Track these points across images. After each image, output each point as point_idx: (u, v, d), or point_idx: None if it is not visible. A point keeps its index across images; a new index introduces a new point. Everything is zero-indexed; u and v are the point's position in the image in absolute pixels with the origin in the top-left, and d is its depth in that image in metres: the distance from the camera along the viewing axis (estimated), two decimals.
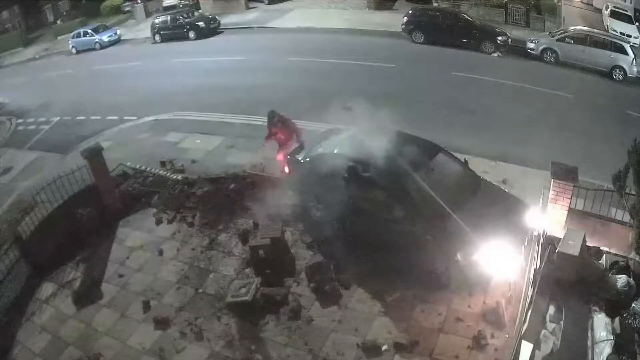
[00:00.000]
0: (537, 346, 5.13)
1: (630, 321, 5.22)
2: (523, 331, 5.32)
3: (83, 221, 9.57)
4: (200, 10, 29.01)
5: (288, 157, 9.27)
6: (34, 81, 23.10)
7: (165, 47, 25.10)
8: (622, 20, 21.14)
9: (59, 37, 32.43)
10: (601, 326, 5.12)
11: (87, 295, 8.34)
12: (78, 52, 27.80)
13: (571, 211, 7.62)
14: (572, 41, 17.89)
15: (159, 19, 26.63)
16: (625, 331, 5.00)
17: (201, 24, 25.45)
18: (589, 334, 5.13)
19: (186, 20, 25.84)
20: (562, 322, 5.32)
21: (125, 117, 15.85)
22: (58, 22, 36.31)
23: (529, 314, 5.45)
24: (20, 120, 18.21)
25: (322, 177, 8.25)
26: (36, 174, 12.80)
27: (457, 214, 7.17)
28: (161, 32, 26.02)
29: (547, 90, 15.40)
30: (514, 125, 12.91)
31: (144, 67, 21.93)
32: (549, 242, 6.38)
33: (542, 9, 22.23)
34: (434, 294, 7.25)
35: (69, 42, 28.29)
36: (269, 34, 24.47)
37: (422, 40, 20.26)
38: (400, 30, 20.84)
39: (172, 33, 25.58)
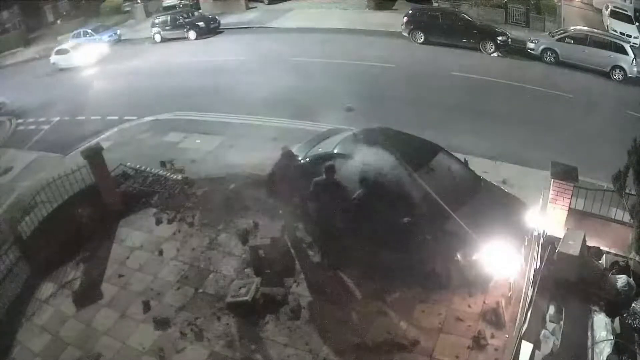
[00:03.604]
0: (537, 346, 5.13)
1: (630, 321, 5.21)
2: (523, 331, 5.31)
3: (83, 221, 9.57)
4: (200, 10, 28.98)
5: None
6: (34, 81, 23.10)
7: (165, 47, 25.11)
8: (622, 20, 21.11)
9: (59, 37, 32.38)
10: (601, 326, 5.11)
11: (87, 295, 8.34)
12: None
13: (571, 211, 7.62)
14: (572, 41, 17.88)
15: (159, 19, 26.62)
16: (625, 331, 4.99)
17: (201, 24, 25.44)
18: (589, 334, 5.12)
19: (186, 20, 25.84)
20: (562, 322, 5.31)
21: (125, 117, 15.86)
22: (58, 22, 36.28)
23: (529, 314, 5.44)
24: (20, 120, 18.23)
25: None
26: (36, 174, 12.78)
27: (457, 214, 7.17)
28: (161, 32, 26.03)
29: (547, 90, 15.41)
30: (514, 125, 12.92)
31: (144, 67, 21.92)
32: (549, 242, 6.37)
33: (542, 9, 22.22)
34: (434, 294, 7.25)
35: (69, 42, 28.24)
36: (269, 34, 24.46)
37: (422, 40, 20.26)
38: (400, 30, 20.85)
39: (172, 33, 25.59)
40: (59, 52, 24.75)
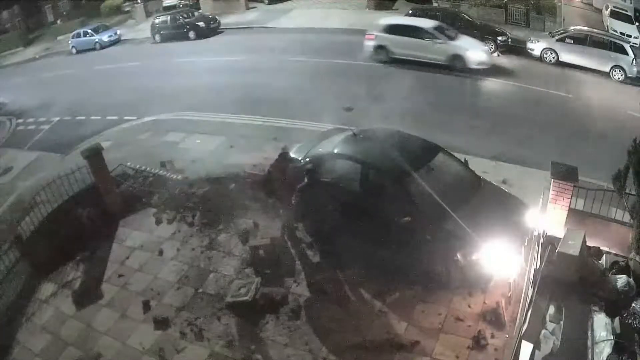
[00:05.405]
0: (537, 346, 5.14)
1: (630, 321, 5.22)
2: (523, 331, 5.32)
3: (83, 221, 9.57)
4: (200, 10, 28.97)
5: None
6: (34, 81, 23.07)
7: (165, 47, 25.08)
8: (622, 20, 21.10)
9: (59, 37, 32.43)
10: (601, 326, 5.12)
11: (87, 295, 8.34)
12: (78, 52, 27.75)
13: (571, 211, 7.62)
14: (572, 41, 17.85)
15: (159, 19, 26.60)
16: (625, 331, 5.00)
17: (201, 24, 25.42)
18: (589, 334, 5.13)
19: (186, 20, 25.81)
20: (562, 322, 5.32)
21: (125, 117, 15.83)
22: (58, 22, 36.33)
23: (529, 314, 5.45)
24: (20, 120, 18.19)
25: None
26: (36, 174, 12.78)
27: (457, 213, 7.17)
28: (161, 32, 26.00)
29: (547, 90, 15.40)
30: (514, 125, 12.91)
31: (144, 67, 21.90)
32: (549, 242, 6.38)
33: (542, 9, 22.22)
34: (434, 294, 7.25)
35: (69, 42, 28.26)
36: (269, 34, 24.44)
37: None
38: None
39: (172, 33, 25.57)
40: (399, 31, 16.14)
